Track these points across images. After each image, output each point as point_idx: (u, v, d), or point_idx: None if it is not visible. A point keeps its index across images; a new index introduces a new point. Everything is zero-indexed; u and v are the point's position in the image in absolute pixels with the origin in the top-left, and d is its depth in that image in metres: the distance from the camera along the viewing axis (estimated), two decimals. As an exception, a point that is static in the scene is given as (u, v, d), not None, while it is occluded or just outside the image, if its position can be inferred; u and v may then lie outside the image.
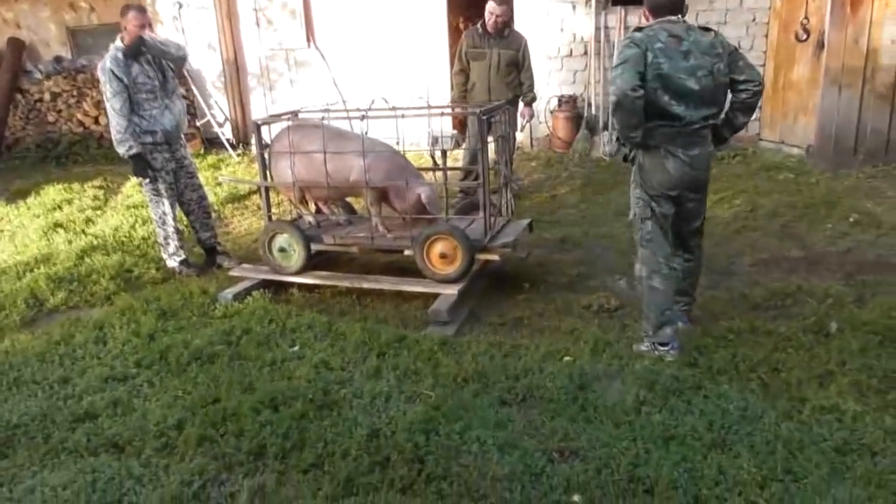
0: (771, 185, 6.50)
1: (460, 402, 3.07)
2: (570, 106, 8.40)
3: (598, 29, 8.15)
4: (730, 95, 3.40)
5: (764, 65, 7.95)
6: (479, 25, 6.19)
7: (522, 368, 3.37)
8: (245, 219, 6.67)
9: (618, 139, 3.58)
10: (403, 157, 4.45)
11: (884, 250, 4.85)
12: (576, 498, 2.45)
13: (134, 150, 4.70)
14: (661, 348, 3.45)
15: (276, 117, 4.81)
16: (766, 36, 7.87)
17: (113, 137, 4.72)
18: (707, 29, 3.35)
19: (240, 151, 9.34)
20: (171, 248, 5.10)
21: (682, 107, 3.22)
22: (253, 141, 4.97)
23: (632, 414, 2.96)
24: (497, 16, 6.04)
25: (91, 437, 2.97)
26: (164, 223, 5.02)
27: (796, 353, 3.45)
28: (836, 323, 3.71)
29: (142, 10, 4.80)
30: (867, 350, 3.41)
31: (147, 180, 4.86)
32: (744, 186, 6.50)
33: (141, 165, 4.78)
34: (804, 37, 6.87)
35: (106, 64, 4.64)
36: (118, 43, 4.72)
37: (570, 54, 8.41)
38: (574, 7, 8.23)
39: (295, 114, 4.76)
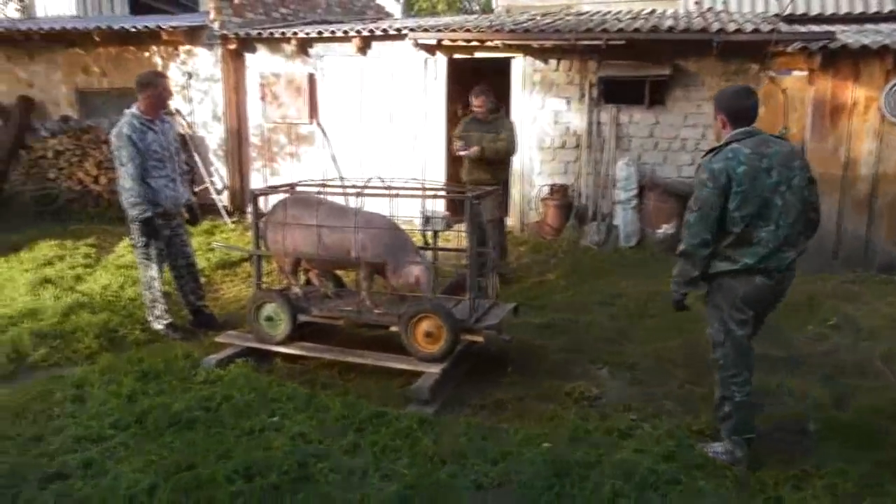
0: (753, 284, 6.62)
1: (436, 484, 3.05)
2: (561, 195, 8.64)
3: (590, 124, 8.49)
4: None
5: (748, 167, 8.25)
6: (472, 113, 6.57)
7: (500, 452, 3.37)
8: (234, 285, 6.71)
9: (679, 282, 3.33)
10: (404, 233, 4.55)
11: (862, 354, 4.92)
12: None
13: (147, 214, 4.82)
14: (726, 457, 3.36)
15: (273, 189, 4.94)
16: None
17: (126, 200, 4.84)
18: (783, 139, 3.29)
19: (235, 219, 9.47)
20: (158, 311, 5.12)
21: (769, 227, 3.12)
22: (249, 210, 5.09)
23: (607, 505, 2.95)
24: (477, 107, 6.51)
25: (60, 498, 2.92)
26: (150, 287, 5.07)
27: (773, 452, 3.47)
28: (813, 423, 3.75)
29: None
30: (844, 453, 3.43)
31: (141, 244, 4.94)
32: (727, 283, 6.62)
33: (151, 228, 4.90)
34: (785, 144, 7.18)
35: (123, 130, 4.77)
36: (134, 109, 4.88)
37: (563, 146, 8.72)
38: (568, 102, 8.59)
39: (293, 186, 4.90)
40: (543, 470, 3.18)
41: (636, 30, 7.85)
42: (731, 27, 7.63)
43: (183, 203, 5.19)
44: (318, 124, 9.56)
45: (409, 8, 23.33)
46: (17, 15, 11.89)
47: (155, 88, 4.88)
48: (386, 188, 4.46)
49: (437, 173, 8.88)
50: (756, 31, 7.49)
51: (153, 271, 5.04)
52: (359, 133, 9.39)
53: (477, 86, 6.63)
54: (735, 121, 3.23)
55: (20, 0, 12.28)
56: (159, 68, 9.61)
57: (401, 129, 9.21)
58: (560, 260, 7.74)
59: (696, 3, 10.69)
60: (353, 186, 4.54)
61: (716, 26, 7.72)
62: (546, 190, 8.75)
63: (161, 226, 4.97)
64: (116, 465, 3.20)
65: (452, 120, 9.56)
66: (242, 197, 9.88)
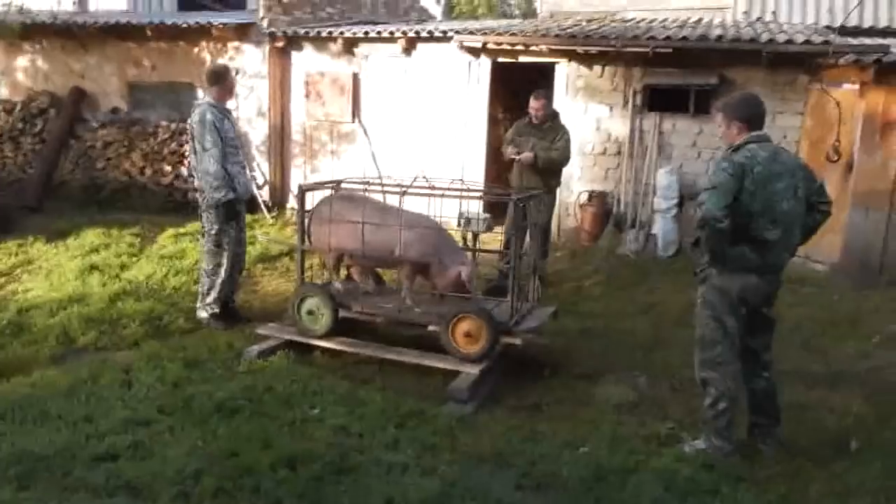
0: (795, 299, 6.51)
1: (476, 482, 3.07)
2: (600, 201, 8.59)
3: (632, 131, 8.43)
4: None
5: (793, 180, 8.11)
6: (527, 117, 6.53)
7: (540, 454, 3.38)
8: (273, 279, 6.81)
9: (695, 244, 3.48)
10: (448, 233, 4.59)
11: (907, 373, 4.83)
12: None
13: (230, 196, 4.98)
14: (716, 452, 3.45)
15: (320, 185, 5.01)
16: (797, 154, 8.08)
17: (209, 184, 4.99)
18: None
19: (274, 214, 9.60)
20: (210, 299, 5.21)
21: (776, 231, 3.26)
22: (295, 205, 5.19)
23: (647, 512, 2.94)
24: (535, 109, 6.40)
25: (110, 477, 3.00)
26: (215, 273, 5.17)
27: (815, 468, 3.42)
28: (856, 441, 3.69)
29: None
30: (888, 471, 3.38)
31: (214, 231, 5.08)
32: (768, 297, 6.53)
33: (231, 211, 5.06)
34: (835, 158, 7.05)
35: (206, 116, 4.97)
36: (209, 99, 5.10)
37: (604, 152, 8.67)
38: (611, 109, 8.55)
39: (338, 183, 4.97)
40: (583, 474, 3.19)
41: (684, 38, 7.78)
42: (782, 38, 7.52)
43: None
44: (360, 123, 9.65)
45: (450, 11, 23.43)
46: (73, 8, 12.22)
47: (228, 80, 5.19)
48: (430, 188, 4.50)
49: (477, 175, 8.89)
50: (807, 42, 7.37)
51: (222, 258, 5.15)
52: (399, 133, 9.45)
53: (537, 89, 6.58)
54: (751, 126, 3.39)
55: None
56: (208, 64, 9.79)
57: (442, 131, 9.24)
58: (597, 267, 7.69)
59: (745, 12, 10.56)
60: (398, 185, 4.59)
61: (766, 37, 7.61)
62: (585, 196, 8.72)
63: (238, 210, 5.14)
64: (163, 449, 3.28)
65: (494, 123, 9.60)
66: (283, 192, 10.01)
